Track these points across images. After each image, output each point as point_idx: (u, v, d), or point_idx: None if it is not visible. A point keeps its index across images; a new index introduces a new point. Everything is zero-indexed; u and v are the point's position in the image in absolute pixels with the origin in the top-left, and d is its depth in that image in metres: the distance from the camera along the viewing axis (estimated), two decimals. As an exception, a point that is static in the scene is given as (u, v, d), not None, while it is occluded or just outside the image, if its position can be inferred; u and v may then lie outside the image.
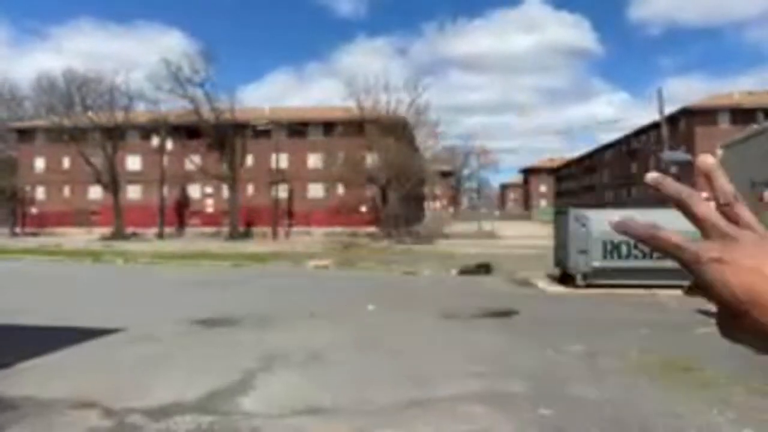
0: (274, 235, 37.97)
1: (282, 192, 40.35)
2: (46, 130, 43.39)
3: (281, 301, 11.07)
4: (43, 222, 45.31)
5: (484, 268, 16.78)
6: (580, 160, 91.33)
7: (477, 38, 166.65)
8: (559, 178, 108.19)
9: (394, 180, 36.01)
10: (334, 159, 37.64)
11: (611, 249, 11.80)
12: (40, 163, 45.96)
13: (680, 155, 26.84)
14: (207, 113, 37.96)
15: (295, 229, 42.13)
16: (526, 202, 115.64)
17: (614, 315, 9.60)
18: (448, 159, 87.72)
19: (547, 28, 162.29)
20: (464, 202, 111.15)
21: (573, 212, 12.46)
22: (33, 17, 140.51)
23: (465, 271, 16.94)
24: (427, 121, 37.80)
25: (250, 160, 40.98)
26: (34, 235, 42.88)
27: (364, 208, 40.64)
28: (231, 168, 38.56)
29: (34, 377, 5.18)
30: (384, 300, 11.27)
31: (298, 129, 41.75)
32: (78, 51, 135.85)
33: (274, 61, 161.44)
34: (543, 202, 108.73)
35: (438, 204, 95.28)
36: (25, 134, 46.93)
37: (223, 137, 38.63)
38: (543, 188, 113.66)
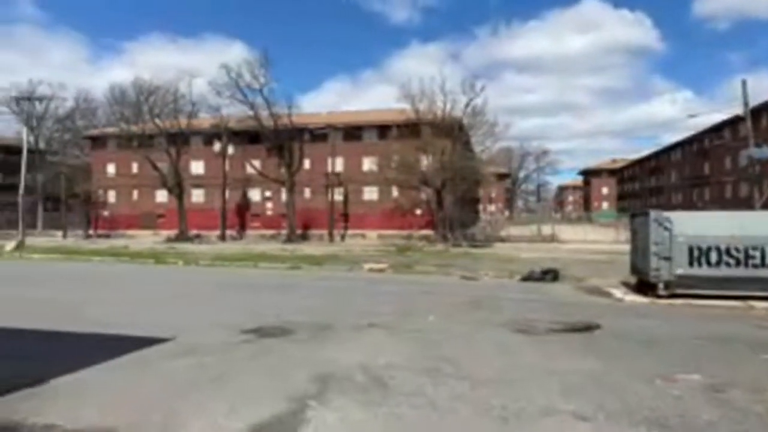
0: (330, 237, 38.16)
1: (337, 195, 40.57)
2: (117, 137, 45.80)
3: (337, 308, 10.74)
4: (114, 224, 47.83)
5: (550, 275, 15.82)
6: (644, 161, 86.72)
7: (532, 40, 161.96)
8: (622, 180, 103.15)
9: (449, 182, 35.24)
10: (389, 162, 37.36)
11: (699, 255, 10.66)
12: (111, 169, 48.53)
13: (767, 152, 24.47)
14: (266, 118, 38.74)
15: (350, 231, 42.20)
16: (586, 205, 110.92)
17: (716, 331, 8.48)
18: (504, 161, 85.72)
19: (605, 27, 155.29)
20: (519, 204, 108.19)
21: (654, 214, 11.39)
22: (109, 35, 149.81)
23: (529, 278, 16.05)
24: (484, 122, 36.77)
25: (307, 163, 41.49)
26: (106, 236, 45.32)
27: (418, 211, 40.05)
28: (289, 172, 39.15)
29: (65, 399, 4.82)
30: (445, 308, 10.71)
31: (353, 132, 41.84)
32: (149, 64, 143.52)
33: (330, 70, 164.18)
34: (604, 205, 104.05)
35: (493, 206, 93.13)
36: (97, 141, 49.77)
37: (281, 142, 39.31)
38: (604, 190, 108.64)
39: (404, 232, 39.02)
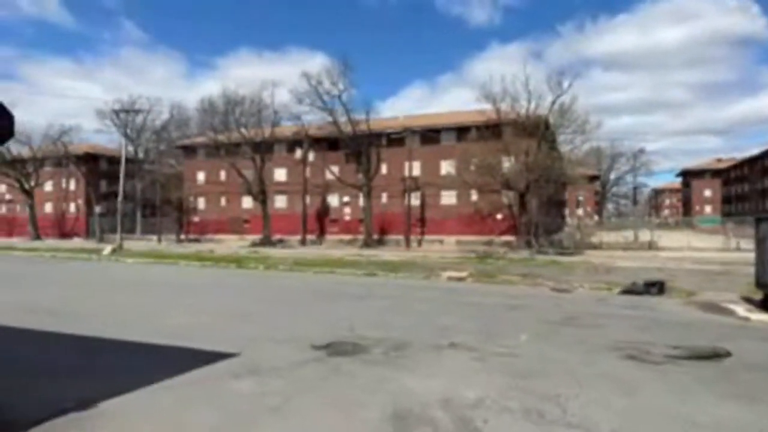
0: (407, 243, 37.45)
1: (414, 200, 39.79)
2: (206, 147, 48.27)
3: (414, 321, 9.84)
4: (204, 229, 50.39)
5: (656, 287, 13.91)
6: (754, 160, 77.67)
7: (620, 34, 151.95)
8: (728, 182, 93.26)
9: (534, 184, 33.23)
10: (468, 164, 35.93)
11: None
12: (201, 177, 51.22)
13: None
14: (344, 124, 38.97)
15: (427, 237, 41.23)
16: (686, 209, 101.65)
17: None
18: (594, 162, 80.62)
19: (703, 17, 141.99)
20: (609, 208, 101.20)
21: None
22: (203, 51, 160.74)
23: (631, 290, 14.24)
24: (572, 119, 34.32)
25: (384, 168, 41.20)
26: (196, 241, 47.83)
27: (500, 216, 38.26)
28: (366, 177, 39.04)
29: (111, 428, 4.38)
30: (537, 325, 9.47)
31: (430, 135, 40.91)
32: (237, 77, 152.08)
33: (408, 76, 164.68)
34: (707, 209, 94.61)
35: (581, 211, 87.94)
36: (189, 151, 52.78)
37: (359, 147, 39.35)
38: (707, 193, 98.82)
39: (484, 238, 37.41)
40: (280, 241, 42.39)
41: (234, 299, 13.01)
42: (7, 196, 60.48)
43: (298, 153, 43.35)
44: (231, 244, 43.59)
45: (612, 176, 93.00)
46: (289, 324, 9.44)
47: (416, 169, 39.99)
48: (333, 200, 45.70)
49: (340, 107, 38.57)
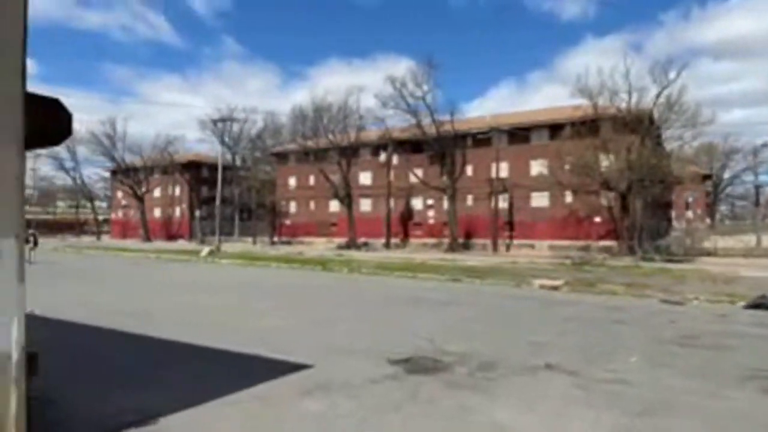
0: (494, 247, 35.95)
1: (502, 202, 38.15)
2: (297, 153, 49.95)
3: (502, 335, 8.94)
4: (295, 232, 52.13)
5: (796, 303, 11.78)
6: None
7: (733, 20, 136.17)
8: None
9: (637, 184, 30.39)
10: (562, 164, 33.69)
11: None
12: (292, 182, 53.09)
13: None
14: (428, 126, 38.36)
15: (516, 241, 39.37)
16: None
17: None
18: (705, 160, 73.07)
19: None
20: (722, 210, 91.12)
21: None
22: (296, 62, 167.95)
23: (760, 305, 12.19)
24: (681, 112, 30.94)
25: (469, 170, 39.99)
26: (288, 243, 49.60)
27: (597, 219, 35.54)
28: (450, 179, 38.08)
29: None
30: (648, 345, 8.18)
31: (519, 134, 39.01)
32: (328, 85, 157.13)
33: (495, 75, 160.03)
34: None
35: (690, 213, 79.97)
36: (281, 157, 54.99)
37: (443, 149, 38.52)
38: None
39: (580, 243, 34.92)
40: (365, 243, 42.64)
41: (315, 303, 12.83)
42: (123, 202, 66.86)
43: (383, 156, 43.43)
44: (319, 246, 44.61)
45: (726, 175, 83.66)
46: (367, 331, 8.96)
47: (504, 169, 38.32)
48: (417, 203, 45.20)
49: (424, 109, 38.02)
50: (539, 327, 9.74)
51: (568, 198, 36.69)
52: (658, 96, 30.72)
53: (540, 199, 38.83)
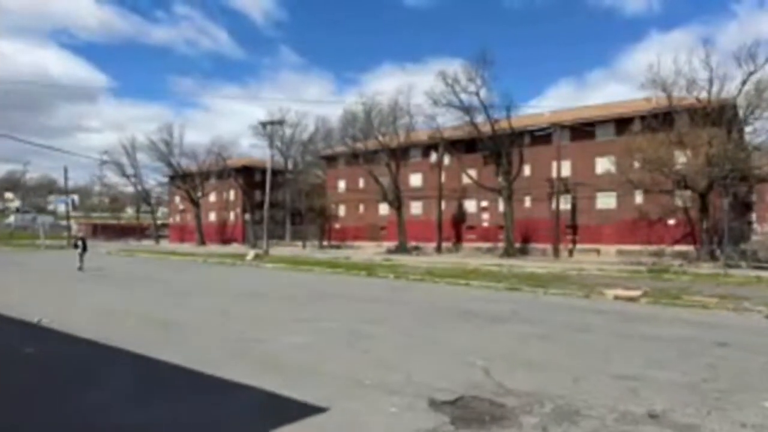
0: (555, 252, 33.26)
1: (563, 203, 35.36)
2: (346, 156, 49.00)
3: (580, 364, 7.05)
4: (344, 236, 51.21)
5: None
6: None
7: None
8: None
9: (720, 182, 27.00)
10: (631, 161, 30.49)
11: None
12: (341, 185, 52.22)
13: None
14: (482, 124, 36.18)
15: (578, 246, 36.42)
16: None
17: None
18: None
19: None
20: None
21: None
22: (350, 69, 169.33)
23: None
24: (773, 100, 27.20)
25: (527, 170, 37.43)
26: (337, 247, 48.71)
27: (671, 221, 32.14)
28: (507, 179, 35.71)
29: None
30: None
31: (583, 130, 36.08)
32: (380, 91, 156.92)
33: (553, 74, 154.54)
34: None
35: (775, 215, 72.52)
36: (331, 160, 54.30)
37: (498, 148, 36.21)
38: None
39: (651, 248, 31.63)
40: (416, 248, 40.96)
41: (350, 315, 11.33)
42: (180, 207, 68.58)
43: (434, 157, 41.58)
44: (368, 250, 43.37)
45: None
46: (405, 356, 7.33)
47: (566, 168, 35.52)
48: (470, 206, 42.98)
49: (478, 105, 35.72)
50: (623, 352, 7.76)
51: (638, 199, 33.46)
52: (743, 83, 27.21)
53: (606, 200, 35.70)
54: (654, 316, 11.56)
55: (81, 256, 23.00)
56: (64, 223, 63.31)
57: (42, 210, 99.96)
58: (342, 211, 52.43)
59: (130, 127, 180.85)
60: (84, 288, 16.65)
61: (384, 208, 46.48)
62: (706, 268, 23.36)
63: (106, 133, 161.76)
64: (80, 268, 22.34)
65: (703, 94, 27.81)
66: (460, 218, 43.25)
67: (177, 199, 68.36)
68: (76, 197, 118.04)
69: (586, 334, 9.23)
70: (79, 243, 23.76)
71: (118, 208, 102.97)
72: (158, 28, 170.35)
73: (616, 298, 14.38)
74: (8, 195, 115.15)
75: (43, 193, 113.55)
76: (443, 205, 40.92)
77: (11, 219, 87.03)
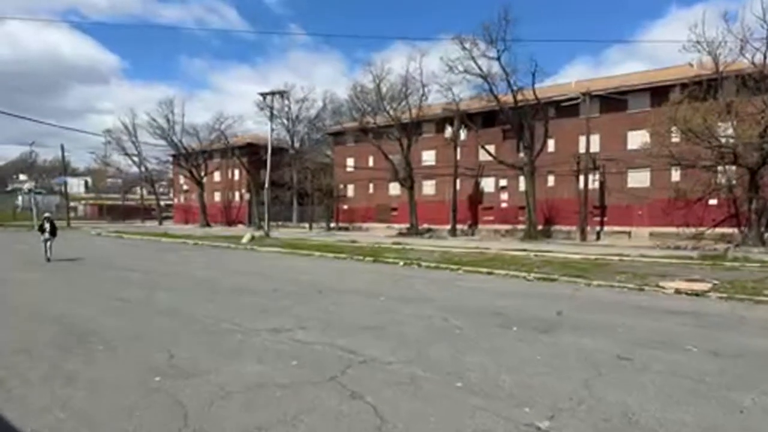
0: (582, 235, 30.29)
1: (591, 182, 32.22)
2: (355, 132, 45.92)
3: (677, 401, 4.37)
4: (352, 217, 48.57)
5: None
6: None
7: None
8: None
9: (771, 156, 23.77)
10: (668, 134, 27.16)
11: None
12: (350, 163, 49.33)
13: None
14: (502, 95, 32.89)
15: (607, 228, 33.40)
16: None
17: None
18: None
19: None
20: None
21: None
22: (361, 49, 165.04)
23: None
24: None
25: (551, 145, 34.22)
26: (345, 229, 46.13)
27: (713, 201, 28.94)
28: (529, 155, 32.57)
29: None
30: None
31: (614, 100, 32.66)
32: (392, 69, 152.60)
33: (570, 52, 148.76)
34: None
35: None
36: (338, 137, 51.29)
37: (520, 120, 32.97)
38: None
39: (689, 230, 28.52)
40: (428, 230, 38.19)
41: (337, 321, 8.69)
42: (184, 187, 66.25)
43: (448, 131, 38.36)
44: (377, 232, 40.73)
45: None
46: (420, 412, 4.68)
47: (594, 143, 32.26)
48: (487, 184, 39.92)
49: (499, 71, 32.20)
50: (729, 380, 5.02)
51: (675, 176, 30.24)
52: (803, 42, 23.68)
53: (638, 178, 32.47)
54: (740, 319, 8.78)
55: (48, 243, 18.44)
56: (72, 204, 61.62)
57: (53, 192, 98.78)
58: (351, 191, 49.70)
59: (142, 108, 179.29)
60: (26, 278, 14.24)
61: (395, 188, 43.66)
62: (756, 253, 20.38)
63: (119, 114, 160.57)
64: (49, 260, 18.08)
65: (758, 57, 24.40)
66: (476, 198, 40.27)
67: (181, 179, 66.03)
68: (89, 179, 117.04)
69: (677, 353, 6.45)
70: (47, 226, 18.67)
71: (128, 190, 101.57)
72: (168, 7, 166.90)
73: (678, 292, 11.58)
74: (22, 176, 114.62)
75: (56, 174, 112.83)
76: (458, 184, 37.90)
77: (19, 200, 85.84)
